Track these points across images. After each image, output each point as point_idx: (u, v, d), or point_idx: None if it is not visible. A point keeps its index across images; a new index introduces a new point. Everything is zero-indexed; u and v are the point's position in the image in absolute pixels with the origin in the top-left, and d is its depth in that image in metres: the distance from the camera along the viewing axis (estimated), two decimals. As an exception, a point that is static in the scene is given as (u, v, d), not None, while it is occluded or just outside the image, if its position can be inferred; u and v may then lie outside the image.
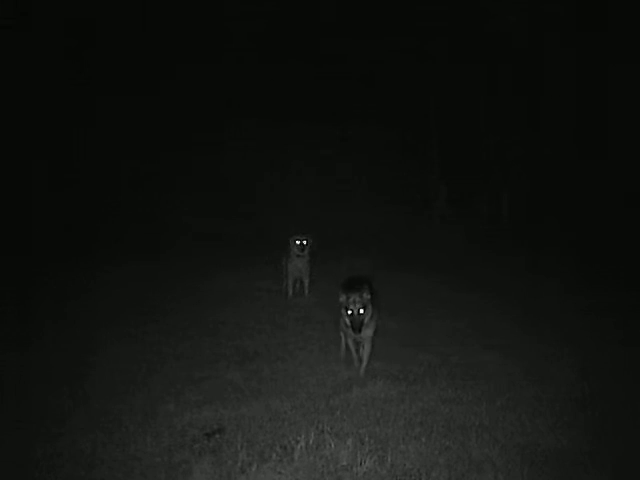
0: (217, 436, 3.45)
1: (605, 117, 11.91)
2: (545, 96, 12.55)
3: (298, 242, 6.83)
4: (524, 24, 12.80)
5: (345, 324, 4.35)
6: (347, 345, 4.64)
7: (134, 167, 12.48)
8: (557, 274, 8.23)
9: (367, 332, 4.40)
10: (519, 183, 13.44)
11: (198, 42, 12.84)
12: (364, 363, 4.51)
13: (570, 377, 4.39)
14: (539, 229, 12.07)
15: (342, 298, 4.30)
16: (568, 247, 10.11)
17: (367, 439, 3.40)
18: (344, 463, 3.16)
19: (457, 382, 4.29)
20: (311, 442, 3.33)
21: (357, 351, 4.58)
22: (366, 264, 8.56)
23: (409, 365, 4.67)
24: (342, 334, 4.68)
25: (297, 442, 3.33)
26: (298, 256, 6.83)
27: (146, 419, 3.68)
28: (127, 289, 7.28)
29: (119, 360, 4.76)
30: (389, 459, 3.19)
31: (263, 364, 4.71)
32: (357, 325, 4.24)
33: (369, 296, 4.29)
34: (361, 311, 4.24)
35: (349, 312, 4.25)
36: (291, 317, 6.15)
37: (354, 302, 4.23)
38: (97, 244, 10.09)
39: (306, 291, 7.08)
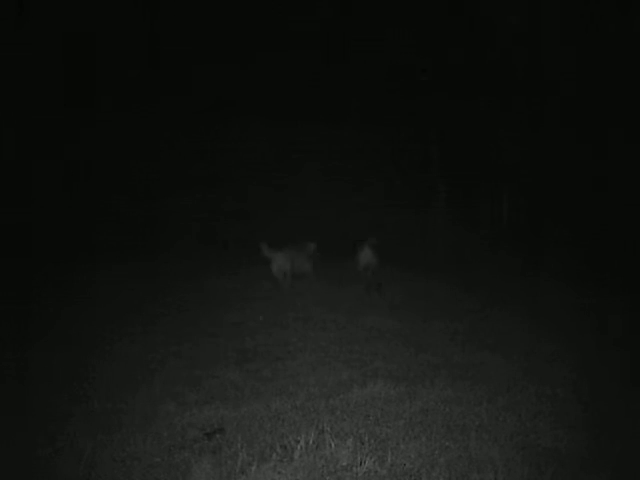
0: (217, 436, 3.45)
1: (606, 116, 11.90)
2: (546, 95, 12.55)
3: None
4: (525, 23, 12.79)
5: None
6: None
7: (134, 168, 12.48)
8: (557, 274, 8.24)
9: None
10: (519, 183, 13.43)
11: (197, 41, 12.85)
12: None
13: (570, 377, 4.39)
14: (539, 229, 12.08)
15: None
16: (568, 247, 10.11)
17: (367, 439, 3.39)
18: (344, 463, 3.16)
19: (457, 382, 4.28)
20: (311, 442, 3.33)
21: None
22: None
23: (409, 365, 4.67)
24: None
25: (297, 442, 3.32)
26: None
27: (146, 419, 3.68)
28: (127, 290, 7.29)
29: (119, 360, 4.77)
30: (389, 459, 3.19)
31: (263, 364, 4.71)
32: None
33: None
34: None
35: None
36: (291, 317, 6.16)
37: None
38: (97, 245, 10.09)
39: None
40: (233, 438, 3.42)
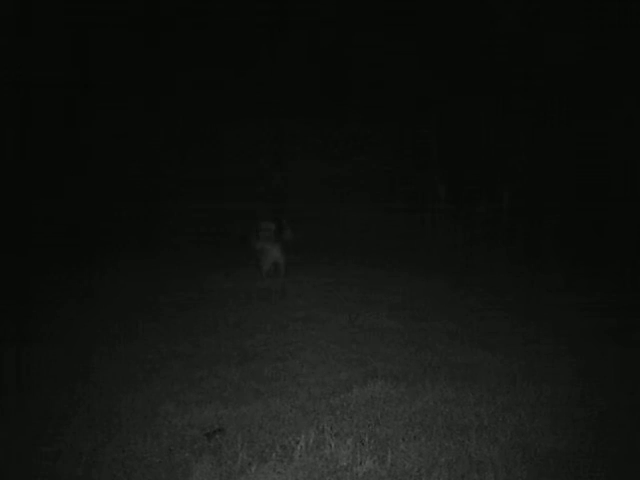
0: (217, 436, 3.45)
1: (605, 114, 11.89)
2: (546, 95, 12.54)
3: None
4: (523, 20, 12.80)
5: None
6: None
7: (133, 167, 12.49)
8: (557, 274, 8.24)
9: None
10: (520, 182, 13.44)
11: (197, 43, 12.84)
12: None
13: (570, 377, 4.39)
14: (539, 229, 12.08)
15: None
16: (568, 246, 10.11)
17: (367, 439, 3.39)
18: (344, 463, 3.16)
19: (457, 382, 4.28)
20: (311, 442, 3.33)
21: None
22: (364, 264, 8.58)
23: (409, 365, 4.67)
24: None
25: (297, 442, 3.32)
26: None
27: (146, 419, 3.68)
28: (127, 289, 7.29)
29: (119, 360, 4.77)
30: (389, 459, 3.19)
31: (263, 364, 4.71)
32: None
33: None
34: None
35: None
36: (291, 317, 6.15)
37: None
38: (97, 245, 10.09)
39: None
40: (233, 438, 3.41)
